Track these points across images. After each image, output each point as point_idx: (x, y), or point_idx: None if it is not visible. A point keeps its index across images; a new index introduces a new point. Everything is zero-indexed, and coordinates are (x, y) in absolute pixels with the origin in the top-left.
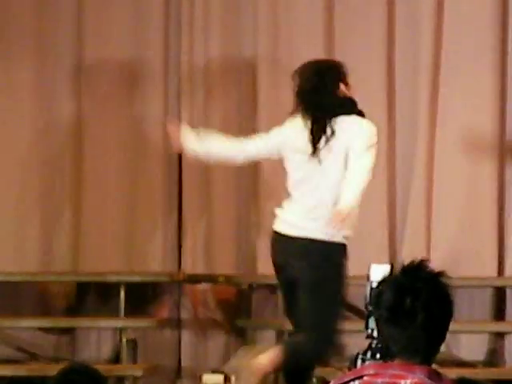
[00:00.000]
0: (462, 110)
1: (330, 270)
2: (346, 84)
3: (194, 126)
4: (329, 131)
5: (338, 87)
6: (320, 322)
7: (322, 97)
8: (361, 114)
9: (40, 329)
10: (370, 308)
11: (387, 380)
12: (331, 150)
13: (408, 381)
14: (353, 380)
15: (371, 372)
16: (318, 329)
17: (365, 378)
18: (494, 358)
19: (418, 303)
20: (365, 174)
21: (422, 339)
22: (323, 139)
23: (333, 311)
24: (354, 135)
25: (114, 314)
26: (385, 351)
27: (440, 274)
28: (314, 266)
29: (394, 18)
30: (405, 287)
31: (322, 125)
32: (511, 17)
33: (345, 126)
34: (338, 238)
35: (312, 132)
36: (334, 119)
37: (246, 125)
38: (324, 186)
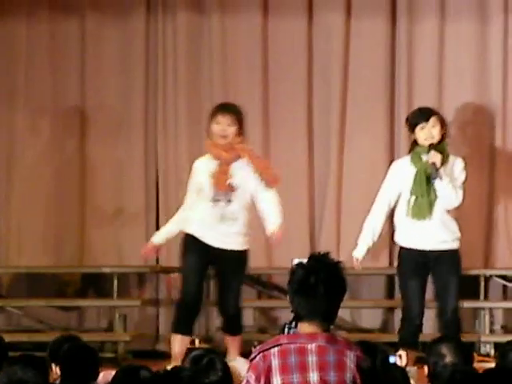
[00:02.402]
0: (362, 139)
1: None
2: None
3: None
4: None
5: None
6: None
7: None
8: None
9: (55, 307)
10: None
11: (298, 346)
12: None
13: (313, 345)
14: (273, 347)
15: (286, 341)
16: None
17: (282, 345)
18: (386, 326)
19: (319, 280)
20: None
21: (322, 306)
22: None
23: None
24: None
25: (110, 296)
26: (295, 315)
27: (338, 262)
28: None
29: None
30: (311, 268)
31: None
32: (397, 74)
33: None
34: None
35: None
36: None
37: None
38: None
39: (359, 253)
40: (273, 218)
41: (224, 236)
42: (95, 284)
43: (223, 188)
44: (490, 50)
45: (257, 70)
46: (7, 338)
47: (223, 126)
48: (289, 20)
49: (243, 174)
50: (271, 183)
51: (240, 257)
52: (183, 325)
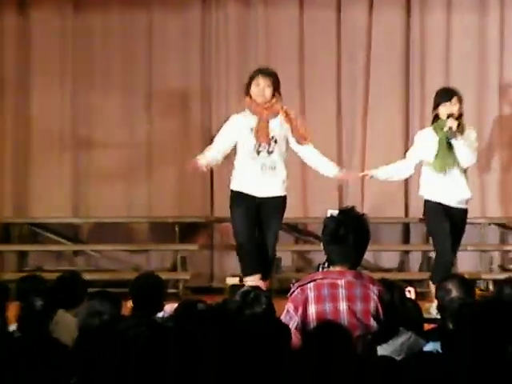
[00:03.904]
0: (382, 107)
1: None
2: None
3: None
4: None
5: None
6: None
7: None
8: None
9: (127, 251)
10: None
11: (330, 281)
12: None
13: (343, 280)
14: (309, 282)
15: (320, 277)
16: None
17: (317, 280)
18: (402, 266)
19: (348, 233)
20: None
21: (352, 253)
22: None
23: None
24: None
25: (172, 241)
26: (328, 260)
27: (362, 214)
28: None
29: (341, 54)
30: (340, 221)
31: None
32: (411, 55)
33: None
34: None
35: None
36: None
37: None
38: None
39: (375, 172)
40: (329, 166)
41: (265, 185)
42: (160, 231)
43: (266, 140)
44: (487, 35)
45: (294, 51)
46: (87, 276)
47: (263, 86)
48: (321, 11)
49: (280, 128)
50: (302, 140)
51: (280, 202)
52: (248, 269)
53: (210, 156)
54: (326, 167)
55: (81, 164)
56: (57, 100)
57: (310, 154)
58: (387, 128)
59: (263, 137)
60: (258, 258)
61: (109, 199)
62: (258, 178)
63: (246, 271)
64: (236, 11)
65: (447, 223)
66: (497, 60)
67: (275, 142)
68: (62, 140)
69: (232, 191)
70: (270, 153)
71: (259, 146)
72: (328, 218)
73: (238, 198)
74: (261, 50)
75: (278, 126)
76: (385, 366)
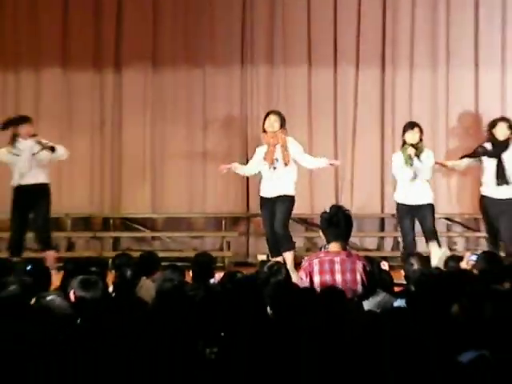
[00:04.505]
0: (365, 138)
1: None
2: None
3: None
4: None
5: None
6: None
7: None
8: None
9: (188, 236)
10: None
11: (329, 258)
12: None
13: (338, 258)
14: (315, 258)
15: (322, 255)
16: None
17: (320, 257)
18: (379, 246)
19: (340, 219)
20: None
21: (342, 234)
22: None
23: None
24: None
25: (220, 230)
26: (326, 241)
27: (347, 210)
28: None
29: (337, 102)
30: (333, 213)
31: None
32: (385, 100)
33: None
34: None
35: None
36: None
37: None
38: None
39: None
40: (318, 161)
41: (274, 189)
42: (212, 222)
43: (270, 162)
44: (438, 85)
45: (304, 96)
46: (161, 254)
47: (273, 120)
48: (323, 68)
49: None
50: (286, 161)
51: (285, 198)
52: (272, 252)
53: (241, 169)
54: (318, 162)
55: (157, 174)
56: (140, 130)
57: (307, 161)
58: (369, 145)
59: (268, 159)
60: (277, 245)
61: (176, 200)
62: (269, 185)
63: (273, 255)
64: (264, 69)
65: (409, 220)
66: (444, 102)
67: (277, 161)
68: (143, 158)
69: (259, 196)
70: (274, 168)
71: (267, 164)
72: (324, 212)
73: (261, 199)
74: (281, 94)
75: (281, 149)
76: (369, 317)
